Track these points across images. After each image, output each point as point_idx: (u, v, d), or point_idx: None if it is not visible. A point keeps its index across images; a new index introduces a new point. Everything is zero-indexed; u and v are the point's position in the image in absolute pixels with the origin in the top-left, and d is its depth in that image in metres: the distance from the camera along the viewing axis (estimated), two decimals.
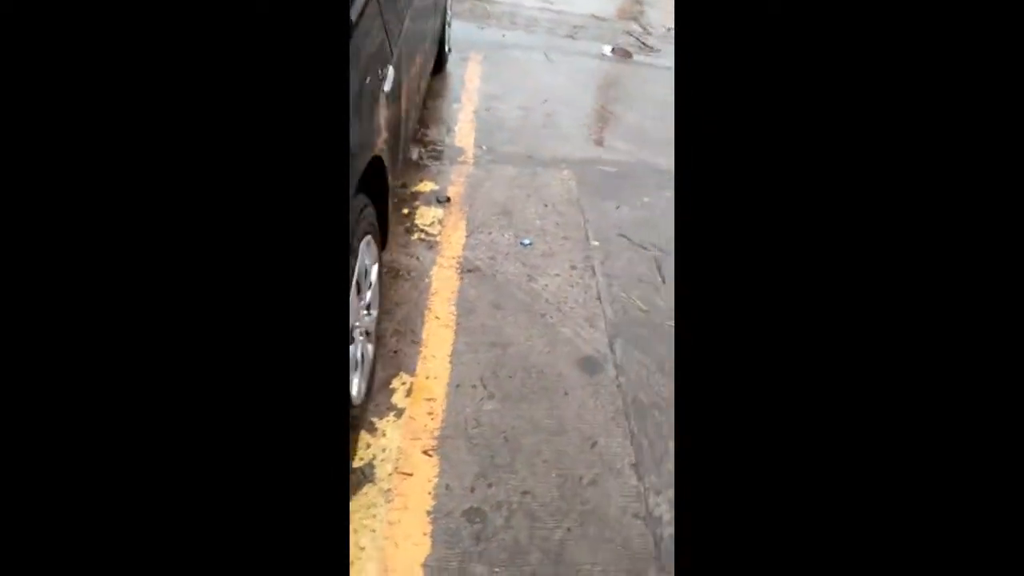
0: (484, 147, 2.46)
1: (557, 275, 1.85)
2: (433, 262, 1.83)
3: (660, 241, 2.04)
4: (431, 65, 2.41)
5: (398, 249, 1.84)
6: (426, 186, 2.17)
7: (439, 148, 2.40)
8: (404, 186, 2.12)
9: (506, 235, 1.99)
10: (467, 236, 1.95)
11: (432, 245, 1.89)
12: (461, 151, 2.41)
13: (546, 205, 2.16)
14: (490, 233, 1.98)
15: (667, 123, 2.75)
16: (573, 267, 1.89)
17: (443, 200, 2.09)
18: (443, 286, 1.74)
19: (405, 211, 2.02)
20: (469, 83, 2.94)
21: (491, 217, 2.06)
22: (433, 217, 2.01)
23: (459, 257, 1.85)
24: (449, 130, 2.54)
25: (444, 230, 1.96)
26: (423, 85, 2.19)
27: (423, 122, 2.54)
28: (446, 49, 2.91)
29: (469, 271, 1.81)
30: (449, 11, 2.86)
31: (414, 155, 2.31)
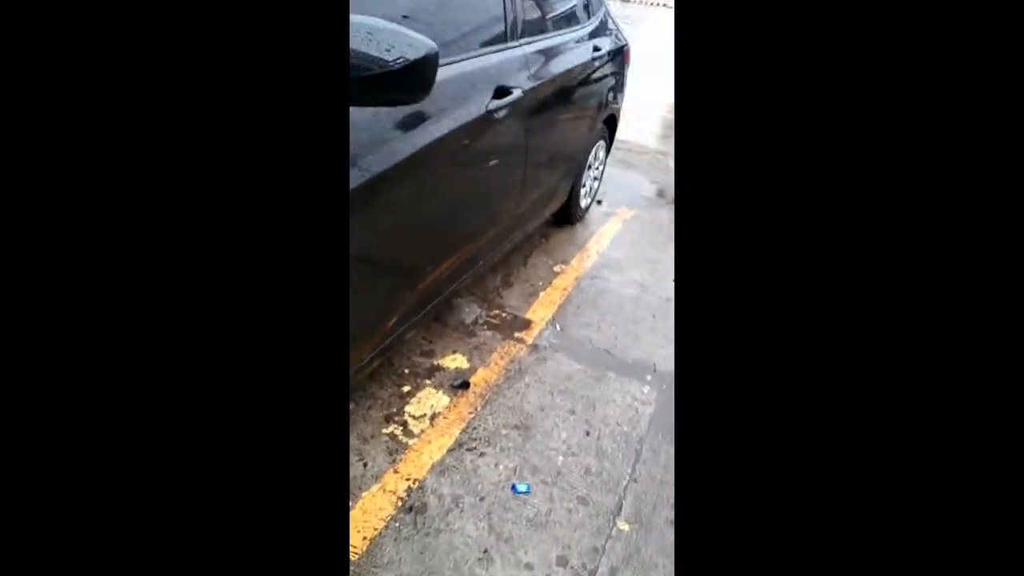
0: (558, 327, 1.98)
1: (528, 570, 1.20)
2: (376, 478, 1.36)
3: None
4: (536, 216, 2.12)
5: (356, 441, 1.44)
6: (453, 361, 1.76)
7: (503, 316, 2.00)
8: (428, 354, 1.77)
9: (501, 465, 1.42)
10: (448, 451, 1.45)
11: (396, 450, 1.44)
12: (526, 325, 1.96)
13: (588, 433, 1.55)
14: (482, 454, 1.45)
15: None
16: (563, 562, 1.22)
17: (458, 386, 1.65)
18: (364, 521, 1.25)
19: (405, 389, 1.63)
20: (594, 244, 2.55)
21: (501, 429, 1.53)
22: (431, 408, 1.57)
23: (414, 481, 1.36)
24: (531, 296, 2.14)
25: (428, 431, 1.50)
26: (508, 234, 1.90)
27: (508, 280, 2.21)
28: (581, 202, 2.61)
29: (410, 509, 1.29)
30: (596, 159, 2.60)
31: (468, 317, 1.96)
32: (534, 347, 1.86)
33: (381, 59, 0.81)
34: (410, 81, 0.85)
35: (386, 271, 1.29)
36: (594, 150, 2.52)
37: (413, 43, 0.83)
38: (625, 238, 2.65)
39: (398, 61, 0.82)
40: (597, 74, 2.16)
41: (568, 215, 2.59)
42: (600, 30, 2.27)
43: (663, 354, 1.89)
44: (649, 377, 1.78)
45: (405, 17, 1.15)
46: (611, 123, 2.62)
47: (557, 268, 2.35)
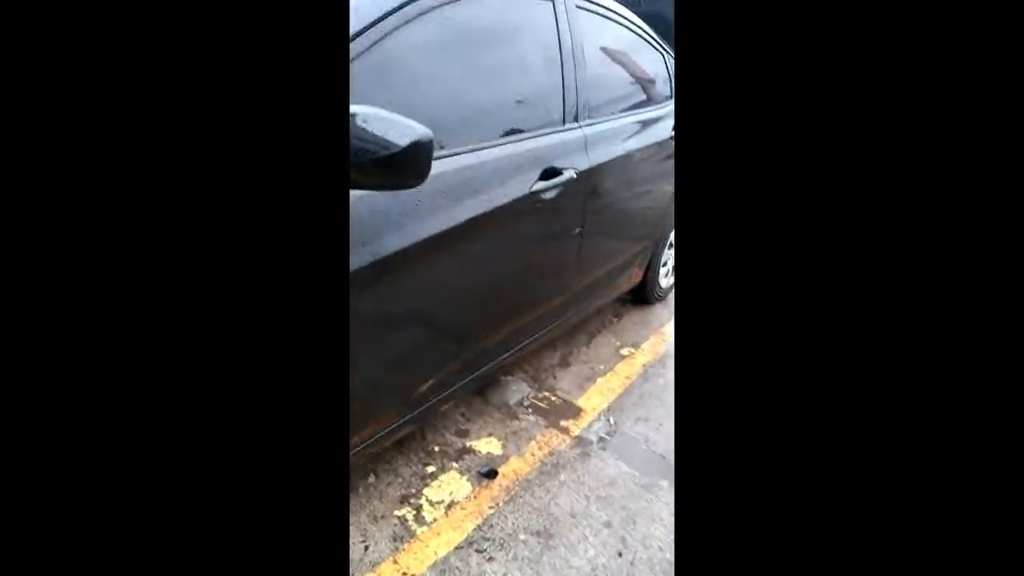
0: (611, 420, 1.79)
1: None
2: (373, 566, 1.27)
3: None
4: (603, 293, 2.01)
5: (366, 519, 1.38)
6: (487, 444, 1.65)
7: (552, 400, 1.87)
8: (463, 434, 1.68)
9: None
10: (456, 548, 1.33)
11: (402, 537, 1.35)
12: (576, 413, 1.81)
13: (621, 555, 1.33)
14: (491, 559, 1.30)
15: None
16: None
17: (484, 474, 1.54)
18: None
19: (429, 469, 1.55)
20: (672, 328, 2.34)
21: (520, 533, 1.38)
22: (451, 495, 1.47)
23: None
24: (588, 380, 1.99)
25: (441, 521, 1.39)
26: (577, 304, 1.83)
27: (566, 360, 2.08)
28: (661, 281, 2.44)
29: None
30: None
31: (513, 397, 1.86)
32: (579, 440, 1.70)
33: (375, 145, 0.81)
34: (403, 167, 0.84)
35: (422, 332, 1.28)
36: None
37: (406, 130, 0.82)
38: None
39: (391, 147, 0.82)
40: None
41: (644, 294, 2.43)
42: None
43: None
44: None
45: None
46: None
47: (624, 351, 2.17)
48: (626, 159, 1.77)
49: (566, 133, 1.52)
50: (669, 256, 2.46)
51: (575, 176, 1.49)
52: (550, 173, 1.42)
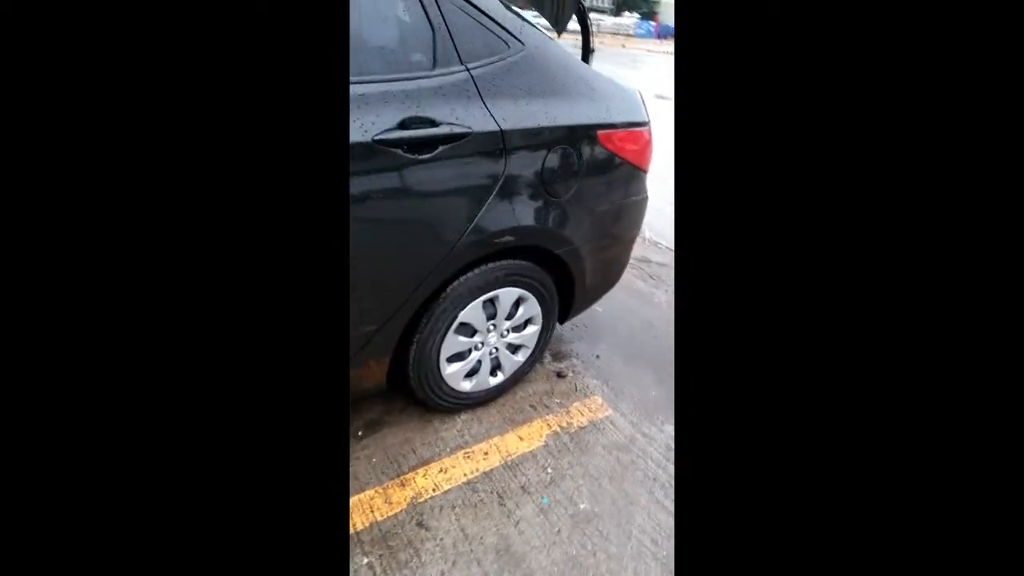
0: None
1: None
2: None
3: None
4: None
5: None
6: None
7: None
8: None
9: None
10: None
11: None
12: None
13: None
14: None
15: None
16: None
17: None
18: None
19: None
20: (441, 473, 1.48)
21: None
22: None
23: None
24: None
25: None
26: None
27: None
28: (444, 376, 1.59)
29: None
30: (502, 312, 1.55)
31: None
32: None
33: None
34: None
35: None
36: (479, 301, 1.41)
37: None
38: (554, 479, 1.49)
39: None
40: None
41: (411, 391, 1.49)
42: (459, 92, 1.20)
43: None
44: None
45: None
46: (552, 264, 1.50)
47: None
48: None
49: None
50: (479, 342, 1.51)
51: None
52: None
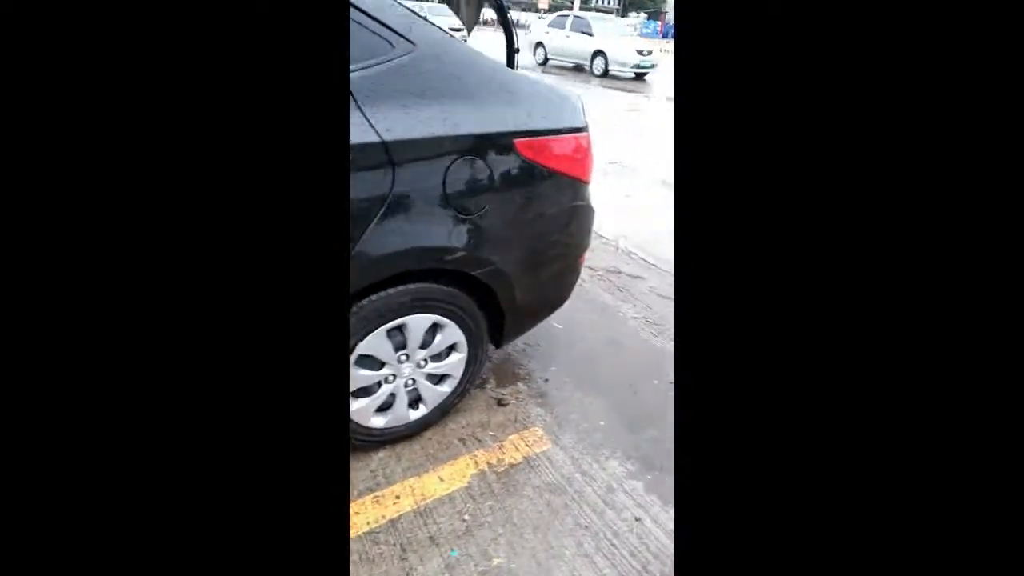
0: None
1: None
2: None
3: None
4: None
5: None
6: None
7: None
8: None
9: None
10: None
11: None
12: None
13: None
14: None
15: None
16: None
17: None
18: None
19: None
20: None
21: None
22: None
23: None
24: None
25: None
26: None
27: None
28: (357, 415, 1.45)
29: None
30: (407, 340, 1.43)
31: None
32: None
33: None
34: None
35: None
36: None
37: None
38: None
39: None
40: None
41: None
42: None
43: None
44: None
45: None
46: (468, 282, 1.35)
47: None
48: None
49: None
50: (389, 375, 1.36)
51: None
52: None
